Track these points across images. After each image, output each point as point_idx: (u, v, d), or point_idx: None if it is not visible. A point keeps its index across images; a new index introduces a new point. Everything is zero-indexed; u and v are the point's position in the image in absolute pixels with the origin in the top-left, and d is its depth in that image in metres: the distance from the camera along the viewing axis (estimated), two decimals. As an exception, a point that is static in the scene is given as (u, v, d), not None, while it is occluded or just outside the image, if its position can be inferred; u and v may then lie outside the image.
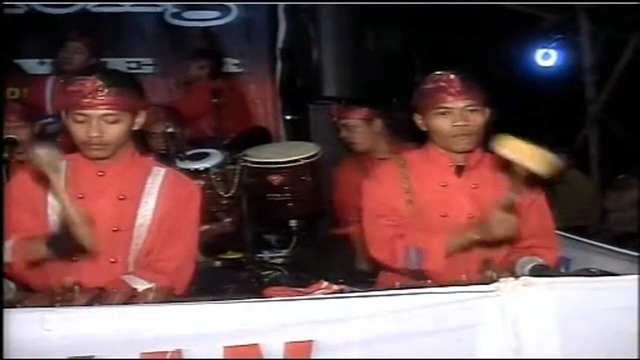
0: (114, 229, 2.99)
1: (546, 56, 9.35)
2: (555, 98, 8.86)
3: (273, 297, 2.74)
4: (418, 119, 3.20)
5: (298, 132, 6.45)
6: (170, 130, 4.63)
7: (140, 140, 5.14)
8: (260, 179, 4.64)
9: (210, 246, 4.49)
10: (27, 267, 2.90)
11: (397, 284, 2.81)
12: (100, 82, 2.90)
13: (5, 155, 4.13)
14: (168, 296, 2.72)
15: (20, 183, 3.06)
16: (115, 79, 2.95)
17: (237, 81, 6.76)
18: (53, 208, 2.97)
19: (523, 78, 8.98)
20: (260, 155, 4.74)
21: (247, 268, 4.35)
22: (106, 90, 2.90)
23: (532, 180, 2.85)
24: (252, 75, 7.08)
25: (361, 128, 4.79)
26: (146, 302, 2.56)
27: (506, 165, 2.88)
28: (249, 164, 4.67)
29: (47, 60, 6.53)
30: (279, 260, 4.63)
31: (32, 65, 6.85)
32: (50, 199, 2.97)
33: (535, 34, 9.06)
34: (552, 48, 9.29)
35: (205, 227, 4.33)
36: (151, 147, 4.89)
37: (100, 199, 3.00)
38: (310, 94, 6.13)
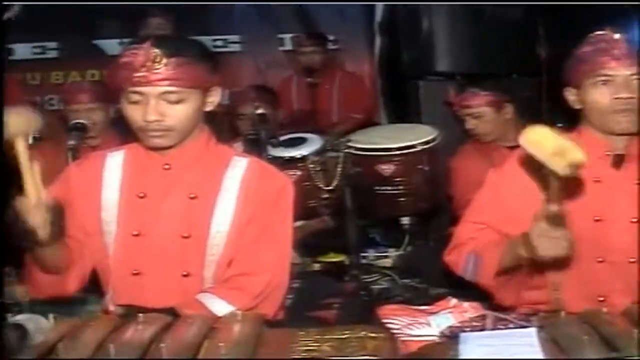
0: (185, 235, 2.41)
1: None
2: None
3: (389, 318, 2.35)
4: (571, 94, 2.58)
5: (403, 114, 5.87)
6: (260, 111, 4.03)
7: (227, 124, 4.79)
8: (368, 169, 4.06)
9: (307, 245, 3.97)
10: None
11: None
12: (156, 51, 2.29)
13: (74, 142, 3.70)
14: (261, 326, 2.07)
15: (69, 179, 2.53)
16: (177, 46, 2.34)
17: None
18: (107, 210, 2.45)
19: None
20: (368, 140, 4.14)
21: (351, 273, 3.76)
22: (165, 61, 2.30)
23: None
24: (348, 52, 6.67)
25: (490, 116, 4.27)
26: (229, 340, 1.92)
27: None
28: (353, 151, 4.07)
29: (128, 40, 6.11)
30: (388, 263, 4.03)
31: (112, 46, 6.50)
32: (105, 199, 2.45)
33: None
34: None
35: (301, 222, 3.91)
36: (239, 132, 4.55)
37: (166, 198, 2.44)
38: (419, 69, 5.53)
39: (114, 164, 2.49)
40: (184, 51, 2.33)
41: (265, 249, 2.43)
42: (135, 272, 2.42)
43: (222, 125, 4.90)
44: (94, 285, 2.55)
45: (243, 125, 4.54)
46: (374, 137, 4.20)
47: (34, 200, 2.17)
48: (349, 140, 4.10)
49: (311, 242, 4.04)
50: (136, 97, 2.33)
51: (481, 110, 4.25)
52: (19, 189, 2.16)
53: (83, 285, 2.48)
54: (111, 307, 2.29)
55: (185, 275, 2.42)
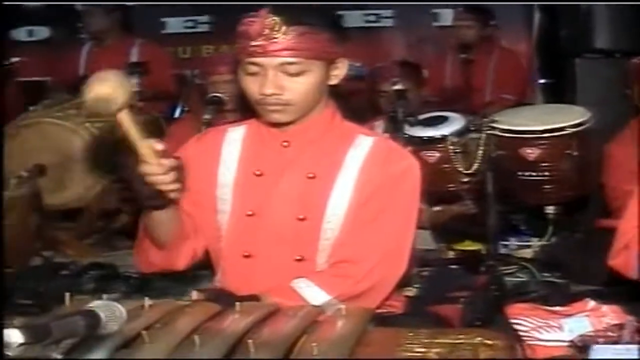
0: (300, 217, 2.25)
1: None
2: None
3: (517, 318, 2.12)
4: None
5: (559, 94, 5.54)
6: (397, 87, 3.80)
7: (370, 102, 4.65)
8: (511, 152, 3.76)
9: (444, 231, 3.80)
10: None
11: None
12: (274, 19, 2.13)
13: (209, 116, 3.69)
14: (366, 323, 1.88)
15: (188, 154, 2.38)
16: (298, 14, 2.17)
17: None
18: (223, 188, 2.32)
19: None
20: (513, 121, 3.83)
21: (487, 263, 3.49)
22: (284, 29, 2.13)
23: None
24: (505, 29, 6.32)
25: None
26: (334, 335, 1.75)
27: None
28: (497, 133, 3.78)
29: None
30: (528, 254, 3.75)
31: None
32: (222, 176, 2.33)
33: None
34: None
35: (439, 208, 3.81)
36: (381, 109, 4.39)
37: (283, 177, 2.28)
38: (577, 46, 5.21)
39: (234, 140, 2.36)
40: (305, 19, 2.16)
41: (378, 235, 2.24)
42: (246, 254, 2.29)
43: (363, 102, 4.79)
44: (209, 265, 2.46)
45: (384, 103, 4.36)
46: (520, 118, 3.90)
47: (155, 163, 2.04)
48: (493, 121, 3.81)
49: (449, 228, 3.85)
50: (253, 69, 2.18)
51: None
52: (136, 157, 2.04)
53: (193, 263, 2.38)
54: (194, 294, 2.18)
55: (298, 260, 2.27)
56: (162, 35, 6.85)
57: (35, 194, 3.63)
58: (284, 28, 2.13)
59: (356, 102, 4.98)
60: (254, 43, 2.14)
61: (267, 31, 2.13)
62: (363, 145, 2.29)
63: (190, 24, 6.93)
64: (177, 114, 5.64)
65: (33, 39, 7.17)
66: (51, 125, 4.08)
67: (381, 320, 2.07)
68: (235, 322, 1.80)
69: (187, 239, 2.30)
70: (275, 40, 2.13)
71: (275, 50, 2.14)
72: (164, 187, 2.06)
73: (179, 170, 2.08)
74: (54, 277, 3.21)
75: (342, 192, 2.24)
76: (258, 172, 2.29)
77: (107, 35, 5.74)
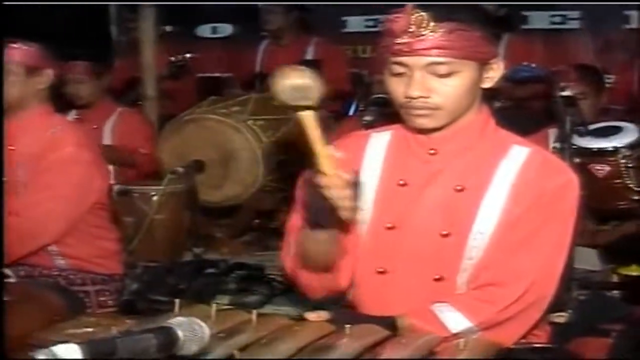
0: (444, 233, 2.05)
1: None
2: None
3: None
4: None
5: None
6: (566, 93, 3.48)
7: (546, 107, 4.38)
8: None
9: (612, 251, 3.51)
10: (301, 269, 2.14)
11: None
12: (421, 14, 1.95)
13: (370, 118, 3.70)
14: (489, 356, 1.71)
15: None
16: (448, 9, 1.99)
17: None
18: (365, 197, 2.11)
19: None
20: (692, 134, 3.48)
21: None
22: (432, 25, 1.95)
23: None
24: None
25: None
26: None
27: None
28: (673, 147, 3.45)
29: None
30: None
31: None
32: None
33: None
34: None
35: (607, 226, 3.57)
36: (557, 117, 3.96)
37: (428, 188, 2.09)
38: None
39: (378, 146, 2.19)
40: (456, 15, 1.98)
41: (530, 257, 2.03)
42: (380, 269, 2.11)
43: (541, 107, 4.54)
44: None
45: (556, 110, 4.05)
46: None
47: (334, 175, 1.89)
48: (670, 134, 3.47)
49: (617, 248, 3.54)
50: (399, 69, 2.01)
51: None
52: (312, 165, 1.89)
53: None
54: (310, 314, 2.02)
55: (436, 279, 2.07)
56: (343, 34, 6.84)
57: (191, 189, 3.62)
58: (432, 24, 1.95)
59: (534, 107, 4.74)
60: (399, 41, 1.98)
61: (413, 28, 1.96)
62: (517, 157, 2.08)
63: (370, 22, 6.85)
64: (351, 112, 5.58)
65: (217, 35, 7.33)
66: (213, 122, 4.11)
67: (508, 354, 1.89)
68: (343, 346, 1.69)
69: (346, 254, 2.13)
70: (422, 37, 1.95)
71: (423, 49, 1.96)
72: (339, 203, 1.90)
73: (357, 187, 1.92)
74: (198, 275, 3.22)
75: (492, 207, 2.04)
76: (402, 182, 2.11)
77: (284, 34, 5.80)
